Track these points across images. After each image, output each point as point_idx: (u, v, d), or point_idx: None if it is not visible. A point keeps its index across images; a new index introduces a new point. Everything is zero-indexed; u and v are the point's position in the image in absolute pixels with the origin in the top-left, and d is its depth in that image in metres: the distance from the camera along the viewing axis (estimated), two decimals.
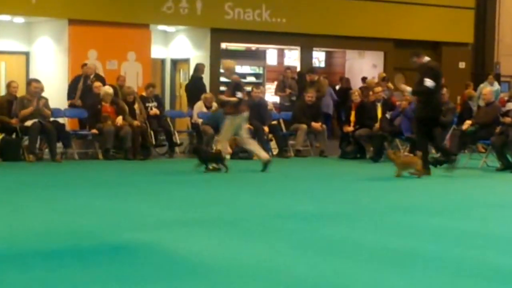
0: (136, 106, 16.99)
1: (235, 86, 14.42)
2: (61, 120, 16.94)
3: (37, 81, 16.38)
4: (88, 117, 16.86)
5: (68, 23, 20.55)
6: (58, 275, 5.60)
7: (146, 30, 21.58)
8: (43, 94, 16.10)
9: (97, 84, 17.41)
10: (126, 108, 16.69)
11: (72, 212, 8.91)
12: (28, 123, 15.29)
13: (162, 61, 23.86)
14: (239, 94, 14.21)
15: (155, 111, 17.56)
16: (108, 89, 16.73)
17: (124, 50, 21.01)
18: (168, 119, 18.33)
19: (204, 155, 14.09)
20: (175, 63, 23.76)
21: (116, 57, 20.99)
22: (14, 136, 15.60)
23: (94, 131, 16.16)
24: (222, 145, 14.25)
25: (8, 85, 16.57)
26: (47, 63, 21.41)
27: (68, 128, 17.35)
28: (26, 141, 15.47)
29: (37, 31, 21.88)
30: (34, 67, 21.78)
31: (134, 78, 20.49)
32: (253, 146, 14.50)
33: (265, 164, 14.07)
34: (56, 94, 18.60)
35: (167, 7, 21.50)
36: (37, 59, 21.77)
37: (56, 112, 16.66)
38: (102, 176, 13.31)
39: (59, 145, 15.91)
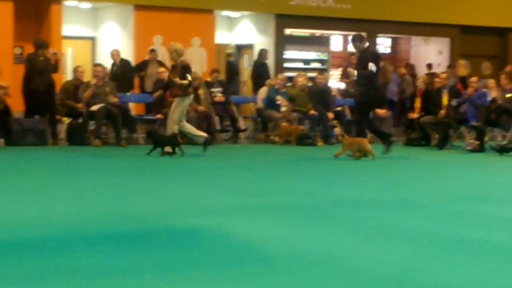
0: (200, 91, 17.05)
1: (184, 68, 14.24)
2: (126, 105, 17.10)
3: (100, 65, 16.55)
4: (153, 102, 16.97)
5: (134, 8, 20.70)
6: (122, 260, 5.64)
7: (210, 15, 21.61)
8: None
9: (162, 69, 17.53)
10: None
11: (136, 197, 8.98)
12: (94, 107, 15.46)
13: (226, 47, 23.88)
14: (189, 77, 14.13)
15: (219, 96, 17.61)
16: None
17: (189, 35, 21.07)
18: (233, 105, 18.36)
19: (159, 139, 13.92)
20: (239, 48, 23.76)
21: (181, 42, 20.97)
22: (80, 120, 15.80)
23: (159, 116, 16.27)
24: (172, 127, 13.98)
25: (75, 70, 16.80)
26: (113, 48, 21.59)
27: (133, 113, 17.51)
28: (92, 126, 15.65)
29: (103, 17, 22.07)
30: (100, 52, 21.98)
31: (198, 64, 20.53)
32: (190, 129, 14.38)
33: (205, 143, 14.21)
34: (123, 79, 18.77)
35: None
36: (103, 44, 21.96)
37: (122, 97, 16.81)
38: (166, 161, 13.39)
39: (125, 130, 16.07)
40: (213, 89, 17.65)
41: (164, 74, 17.09)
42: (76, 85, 16.05)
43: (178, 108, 13.98)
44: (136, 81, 19.34)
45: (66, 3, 20.46)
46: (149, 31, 20.63)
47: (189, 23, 20.92)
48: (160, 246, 6.21)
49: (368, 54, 14.27)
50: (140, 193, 9.25)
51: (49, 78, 15.97)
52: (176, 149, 13.59)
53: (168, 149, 13.63)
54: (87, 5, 21.61)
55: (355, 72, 14.26)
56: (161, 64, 18.73)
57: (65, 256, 5.71)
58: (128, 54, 20.65)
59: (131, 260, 5.64)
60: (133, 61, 20.16)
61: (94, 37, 22.26)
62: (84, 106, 15.66)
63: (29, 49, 17.72)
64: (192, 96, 14.38)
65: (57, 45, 18.89)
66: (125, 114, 16.02)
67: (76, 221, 7.17)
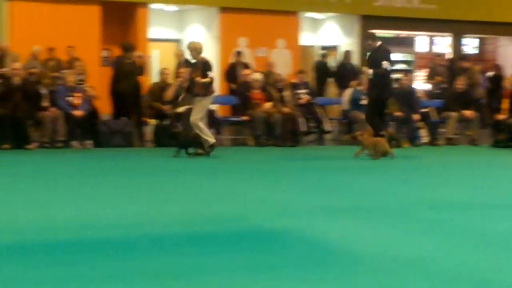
0: (285, 93, 17.07)
1: (205, 66, 13.95)
2: (212, 106, 17.22)
3: (185, 67, 16.70)
4: (239, 104, 17.07)
5: (219, 10, 20.86)
6: (207, 260, 5.67)
7: (295, 17, 21.64)
8: None
9: (247, 71, 17.62)
10: (276, 94, 16.81)
11: (220, 198, 9.01)
12: (180, 109, 15.61)
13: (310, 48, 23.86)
14: (211, 74, 13.93)
15: (305, 97, 17.61)
16: (258, 76, 16.89)
17: (274, 37, 21.14)
18: (318, 106, 18.33)
19: (182, 140, 13.70)
20: (323, 50, 23.72)
21: (266, 44, 21.16)
22: (166, 122, 15.97)
23: (245, 117, 16.35)
24: (199, 127, 13.70)
25: (161, 73, 17.00)
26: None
27: (219, 114, 17.64)
28: (178, 127, 15.79)
29: (188, 19, 22.30)
30: (185, 54, 22.20)
31: (283, 65, 20.57)
32: (203, 129, 13.82)
33: (210, 147, 13.69)
34: None
35: None
36: None
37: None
38: (251, 162, 13.44)
39: (210, 131, 16.18)
40: (298, 91, 17.65)
41: (249, 76, 17.19)
42: (162, 87, 16.24)
43: (201, 107, 13.74)
44: (223, 83, 19.48)
45: (152, 6, 20.73)
46: (234, 33, 20.76)
47: (274, 25, 20.99)
48: (245, 247, 6.23)
49: (381, 53, 14.24)
50: (225, 194, 9.30)
51: (136, 81, 16.20)
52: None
53: (200, 151, 13.53)
54: (173, 8, 21.85)
55: (371, 71, 14.20)
56: (246, 66, 18.83)
57: (153, 257, 5.77)
58: (213, 56, 20.80)
59: (216, 260, 5.67)
60: (218, 62, 20.30)
61: (180, 40, 22.49)
62: (170, 108, 15.83)
63: (116, 52, 18.03)
64: (214, 94, 14.17)
65: (143, 47, 19.19)
66: (210, 116, 16.13)
67: (162, 221, 7.24)
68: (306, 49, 23.20)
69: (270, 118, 16.26)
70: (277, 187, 10.12)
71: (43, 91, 14.90)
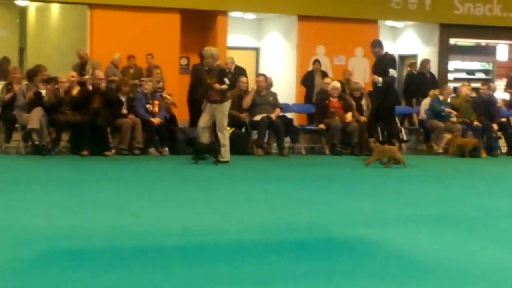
0: (363, 101, 16.99)
1: (222, 72, 14.00)
2: (289, 115, 17.25)
3: (263, 75, 16.77)
4: (316, 112, 17.06)
5: (298, 19, 20.88)
6: (285, 268, 5.70)
7: (374, 25, 21.54)
8: (273, 89, 16.45)
9: (327, 80, 17.60)
10: (353, 103, 16.75)
11: (297, 206, 9.04)
12: (257, 117, 15.67)
13: None
14: (227, 81, 13.88)
15: None
16: (336, 84, 16.85)
17: (352, 45, 21.08)
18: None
19: (199, 147, 13.63)
20: (402, 58, 23.55)
21: (344, 52, 21.11)
22: (243, 130, 16.05)
23: (322, 126, 16.33)
24: (224, 134, 13.79)
25: (238, 81, 17.07)
26: (276, 58, 21.88)
27: (296, 123, 17.65)
28: (255, 135, 15.86)
29: (267, 27, 22.39)
30: (263, 62, 22.30)
31: (361, 74, 20.50)
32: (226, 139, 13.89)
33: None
34: (285, 89, 18.99)
35: (395, 3, 21.37)
36: (267, 54, 22.27)
37: (285, 107, 16.97)
38: (326, 171, 13.42)
39: (287, 139, 16.21)
40: None
41: (327, 84, 17.16)
42: (239, 95, 16.32)
43: (223, 114, 13.82)
44: (300, 91, 19.49)
45: (232, 14, 20.87)
46: (312, 41, 20.76)
47: (353, 33, 20.93)
48: (324, 255, 6.24)
49: (387, 60, 14.35)
50: (302, 203, 9.32)
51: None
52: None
53: (223, 158, 13.53)
54: (252, 16, 21.97)
55: (380, 79, 14.06)
56: (324, 74, 18.81)
57: (232, 263, 5.82)
58: (291, 64, 20.87)
59: (294, 268, 5.69)
60: (295, 71, 20.34)
61: (258, 48, 22.60)
62: (247, 115, 15.90)
63: (195, 59, 18.19)
64: (230, 100, 14.17)
65: (222, 55, 19.31)
66: (288, 124, 16.16)
67: (241, 229, 7.29)
68: None
69: (347, 127, 16.21)
70: (353, 195, 10.10)
71: (123, 98, 15.11)
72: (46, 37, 23.83)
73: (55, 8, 22.94)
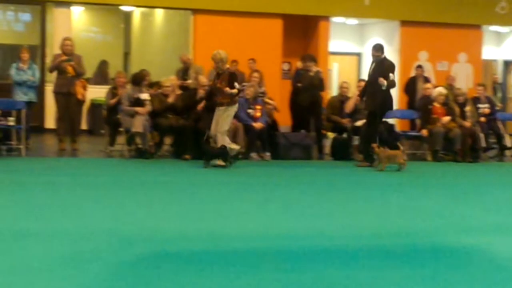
0: (467, 108, 16.74)
1: (232, 76, 13.81)
2: (391, 120, 17.13)
3: (364, 80, 16.66)
4: (419, 118, 16.89)
5: (400, 24, 20.73)
6: (385, 274, 5.68)
7: (477, 31, 21.23)
8: None
9: (428, 85, 17.42)
10: (457, 109, 16.52)
11: (402, 212, 8.98)
12: (359, 123, 15.60)
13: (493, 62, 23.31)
14: (237, 85, 13.69)
15: (485, 111, 17.19)
16: (442, 90, 16.66)
17: (455, 51, 20.83)
18: (499, 122, 17.87)
19: (209, 151, 13.41)
20: (507, 64, 23.12)
21: (447, 58, 20.86)
22: (345, 135, 16.01)
23: (424, 132, 16.16)
24: (224, 139, 13.55)
25: (340, 86, 17.05)
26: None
27: (398, 128, 17.51)
28: (356, 141, 15.80)
29: (369, 33, 22.30)
30: (365, 68, 22.19)
31: (464, 80, 20.21)
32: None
33: (236, 155, 13.66)
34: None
35: (500, 7, 21.01)
36: (368, 60, 22.13)
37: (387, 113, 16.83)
38: (432, 177, 13.27)
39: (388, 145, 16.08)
40: (479, 105, 17.26)
41: (430, 90, 16.97)
42: (341, 101, 16.29)
43: (227, 118, 13.69)
44: (402, 96, 19.33)
45: (334, 19, 20.86)
46: (415, 47, 20.59)
47: (456, 39, 20.68)
48: (425, 262, 6.19)
49: (387, 65, 14.20)
50: (408, 209, 9.25)
51: (316, 94, 16.29)
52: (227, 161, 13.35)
53: (220, 162, 13.34)
54: (354, 22, 21.91)
55: (385, 82, 13.85)
56: (427, 80, 18.62)
57: (332, 268, 5.83)
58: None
59: (392, 274, 5.67)
60: (397, 76, 20.17)
61: (360, 53, 22.51)
62: (348, 121, 15.86)
63: (297, 64, 18.22)
64: (237, 104, 14.02)
65: (324, 61, 19.33)
66: (389, 130, 16.04)
67: (342, 235, 7.29)
68: (487, 63, 22.69)
69: (449, 133, 16.00)
70: (452, 202, 9.98)
71: None
72: (150, 42, 24.25)
73: (159, 13, 23.32)
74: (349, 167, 14.45)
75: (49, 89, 17.50)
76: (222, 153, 13.37)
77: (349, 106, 16.01)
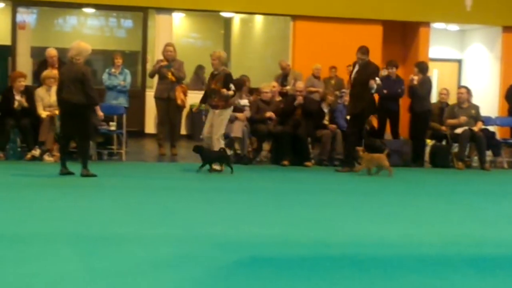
0: None
1: (227, 77, 13.22)
2: (491, 128, 16.85)
3: (464, 87, 16.43)
4: None
5: (502, 30, 20.38)
6: (485, 283, 5.63)
7: None
8: (475, 102, 16.14)
9: None
10: None
11: (500, 221, 8.87)
12: (458, 130, 15.40)
13: None
14: (233, 87, 13.14)
15: None
16: None
17: None
18: None
19: (207, 154, 12.88)
20: None
21: None
22: (444, 142, 15.83)
23: None
24: (221, 143, 13.04)
25: (439, 93, 16.86)
26: (478, 70, 21.44)
27: (498, 136, 17.22)
28: (455, 148, 15.61)
29: (470, 39, 22.00)
30: (465, 74, 21.90)
31: None
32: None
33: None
34: (487, 102, 18.56)
35: None
36: (469, 66, 21.85)
37: (487, 120, 16.59)
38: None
39: (489, 153, 15.84)
40: None
41: None
42: (440, 108, 16.10)
43: (223, 121, 13.21)
44: (503, 104, 18.97)
45: (434, 25, 20.65)
46: None
47: None
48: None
49: (372, 69, 13.94)
50: (503, 218, 9.12)
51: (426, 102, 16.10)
52: (224, 165, 12.92)
53: (216, 166, 12.91)
54: (455, 27, 21.63)
55: (375, 85, 13.61)
56: None
57: (422, 276, 5.81)
58: (494, 76, 20.39)
59: (493, 284, 5.62)
60: (499, 83, 19.84)
61: (461, 59, 22.22)
62: (448, 128, 15.67)
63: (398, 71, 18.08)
64: (232, 107, 13.58)
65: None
66: (489, 137, 15.77)
67: (431, 241, 7.24)
68: None
69: None
70: None
71: (325, 109, 15.28)
72: (249, 48, 24.42)
73: (258, 19, 23.48)
74: (448, 174, 14.29)
75: (149, 95, 17.83)
76: (222, 156, 12.96)
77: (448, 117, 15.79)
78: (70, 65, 11.52)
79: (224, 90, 13.07)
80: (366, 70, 13.92)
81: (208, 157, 12.86)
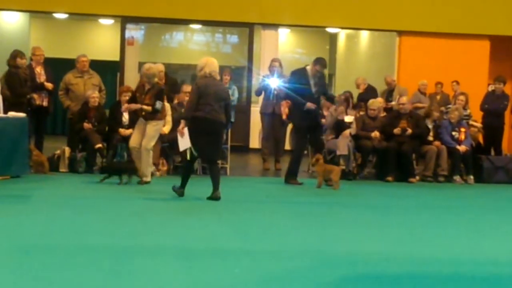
0: None
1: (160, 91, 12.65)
2: None
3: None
4: None
5: None
6: None
7: None
8: None
9: None
10: None
11: None
12: None
13: None
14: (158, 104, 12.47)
15: None
16: None
17: None
18: None
19: (110, 165, 12.56)
20: None
21: None
22: None
23: None
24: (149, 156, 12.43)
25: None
26: None
27: None
28: None
29: None
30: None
31: None
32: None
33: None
34: None
35: None
36: None
37: None
38: None
39: None
40: None
41: None
42: None
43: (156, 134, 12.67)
44: None
45: None
46: None
47: None
48: None
49: (323, 80, 13.75)
50: None
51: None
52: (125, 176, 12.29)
53: (124, 177, 12.28)
54: None
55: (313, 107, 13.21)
56: None
57: None
58: None
59: None
60: None
61: None
62: None
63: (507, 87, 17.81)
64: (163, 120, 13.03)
65: None
66: None
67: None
68: None
69: None
70: None
71: (430, 125, 15.18)
72: (354, 63, 24.41)
73: (364, 34, 23.46)
74: None
75: (254, 110, 18.02)
76: (128, 168, 12.42)
77: None
78: (212, 82, 10.75)
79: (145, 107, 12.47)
80: (321, 81, 13.69)
81: (110, 168, 12.57)
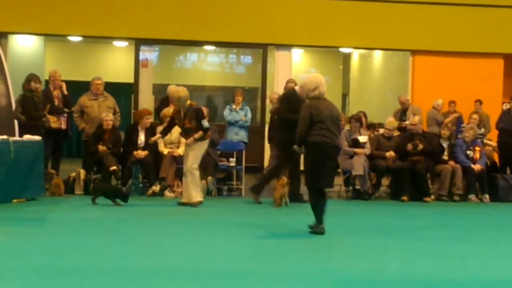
0: None
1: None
2: None
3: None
4: None
5: None
6: None
7: None
8: None
9: None
10: None
11: None
12: None
13: None
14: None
15: None
16: None
17: None
18: None
19: (99, 188, 12.58)
20: None
21: None
22: None
23: None
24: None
25: None
26: None
27: None
28: None
29: None
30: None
31: None
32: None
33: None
34: None
35: None
36: None
37: None
38: None
39: None
40: None
41: None
42: None
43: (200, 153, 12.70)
44: None
45: None
46: None
47: None
48: None
49: (296, 97, 12.90)
50: None
51: None
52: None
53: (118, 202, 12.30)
54: None
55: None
56: None
57: None
58: None
59: None
60: None
61: None
62: None
63: None
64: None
65: None
66: None
67: None
68: None
69: None
70: None
71: (444, 144, 15.16)
72: (368, 83, 24.44)
73: (377, 54, 23.48)
74: None
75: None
76: (115, 191, 12.59)
77: None
78: (324, 103, 9.96)
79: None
80: (294, 98, 13.29)
81: (100, 190, 12.58)
